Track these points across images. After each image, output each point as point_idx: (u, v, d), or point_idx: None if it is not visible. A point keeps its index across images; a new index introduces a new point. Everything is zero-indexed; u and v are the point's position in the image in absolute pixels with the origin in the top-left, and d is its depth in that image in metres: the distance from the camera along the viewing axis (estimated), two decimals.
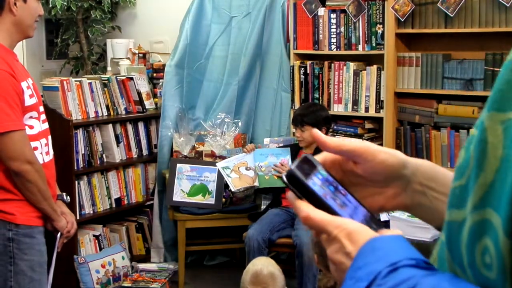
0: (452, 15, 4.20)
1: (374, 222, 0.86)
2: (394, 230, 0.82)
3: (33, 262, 2.76)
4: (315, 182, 0.85)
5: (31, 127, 2.76)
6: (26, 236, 2.74)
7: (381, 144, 4.61)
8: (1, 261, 2.72)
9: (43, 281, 2.82)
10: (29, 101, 2.74)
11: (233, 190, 4.52)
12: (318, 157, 0.90)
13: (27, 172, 2.67)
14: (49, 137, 2.91)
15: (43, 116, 2.88)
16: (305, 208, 0.84)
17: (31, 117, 2.77)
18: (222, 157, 4.99)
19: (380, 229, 0.83)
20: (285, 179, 0.85)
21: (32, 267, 2.76)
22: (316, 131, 0.91)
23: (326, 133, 4.48)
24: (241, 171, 4.55)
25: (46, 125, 2.89)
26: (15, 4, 2.75)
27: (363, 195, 0.91)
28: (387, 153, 0.91)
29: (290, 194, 0.86)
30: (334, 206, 0.84)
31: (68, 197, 3.03)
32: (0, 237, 2.71)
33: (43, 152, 2.83)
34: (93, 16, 5.86)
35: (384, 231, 0.81)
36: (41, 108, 2.87)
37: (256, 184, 4.58)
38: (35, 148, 2.76)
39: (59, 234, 2.87)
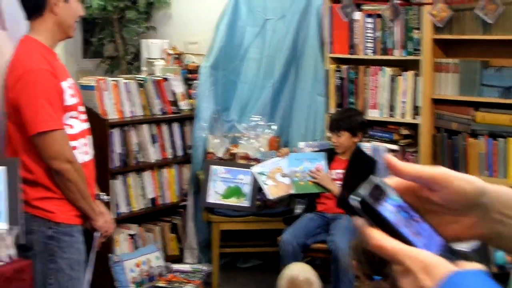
0: (491, 22, 4.15)
1: (451, 253, 0.83)
2: (473, 263, 0.78)
3: (72, 260, 2.80)
4: (387, 209, 0.80)
5: (71, 126, 2.80)
6: (65, 235, 2.77)
7: (417, 151, 4.59)
8: (41, 258, 2.76)
9: (81, 279, 2.85)
10: (69, 101, 2.77)
11: (270, 198, 4.51)
12: (390, 182, 0.86)
13: (67, 171, 2.70)
14: (89, 137, 2.94)
15: (83, 116, 2.91)
16: (378, 236, 0.80)
17: (71, 117, 2.80)
18: (256, 160, 4.99)
19: (458, 260, 0.78)
20: (357, 205, 0.81)
21: (71, 265, 2.79)
22: (389, 156, 0.87)
23: (362, 139, 4.46)
24: (277, 178, 4.53)
25: (86, 125, 2.92)
26: (57, 3, 2.78)
27: (438, 223, 0.87)
28: (464, 180, 0.85)
29: (359, 221, 0.82)
30: (408, 235, 0.80)
31: (107, 197, 3.06)
32: (41, 235, 2.75)
33: (82, 151, 2.86)
34: (128, 16, 5.91)
35: (463, 264, 0.77)
36: (81, 108, 2.91)
37: (292, 191, 4.56)
38: (74, 148, 2.79)
39: (97, 234, 2.90)
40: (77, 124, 2.82)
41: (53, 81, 2.69)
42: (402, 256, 0.78)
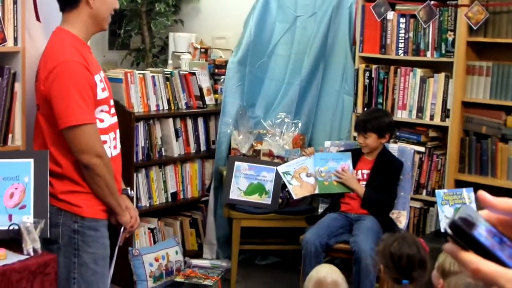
0: None
1: None
2: None
3: (96, 255, 2.77)
4: (481, 233, 0.82)
5: (101, 120, 2.76)
6: (91, 229, 2.74)
7: (444, 154, 4.52)
8: (66, 252, 2.73)
9: (105, 274, 2.83)
10: (101, 95, 2.74)
11: (294, 198, 4.46)
12: (482, 214, 0.87)
13: (96, 165, 2.66)
14: (117, 131, 2.91)
15: (113, 110, 2.87)
16: (475, 260, 0.80)
17: (102, 111, 2.77)
18: (280, 157, 4.95)
19: None
20: (449, 230, 0.82)
21: (95, 260, 2.76)
22: (482, 193, 0.86)
23: (389, 140, 4.40)
24: (302, 177, 4.47)
25: (115, 119, 2.89)
26: None
27: None
28: None
29: (450, 246, 0.83)
30: (503, 257, 0.81)
31: (133, 192, 3.03)
32: (66, 228, 2.72)
33: (111, 146, 2.83)
34: (157, 8, 5.87)
35: None
36: (112, 102, 2.87)
37: (316, 191, 4.50)
38: (104, 142, 2.76)
39: (122, 229, 2.87)
40: (107, 118, 2.79)
41: (86, 74, 2.66)
42: (501, 278, 0.79)
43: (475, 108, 4.46)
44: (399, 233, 3.44)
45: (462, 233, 0.82)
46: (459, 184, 4.42)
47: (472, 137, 4.47)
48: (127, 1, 5.54)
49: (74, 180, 2.71)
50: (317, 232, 4.15)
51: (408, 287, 2.90)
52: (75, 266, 2.73)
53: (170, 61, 5.81)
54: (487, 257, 0.81)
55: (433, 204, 4.55)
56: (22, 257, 2.72)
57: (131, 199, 3.00)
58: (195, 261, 4.95)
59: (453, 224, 0.82)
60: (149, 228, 4.89)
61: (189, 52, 5.74)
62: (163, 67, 5.74)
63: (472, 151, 4.47)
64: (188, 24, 6.12)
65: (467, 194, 4.21)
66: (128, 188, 3.00)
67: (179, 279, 4.65)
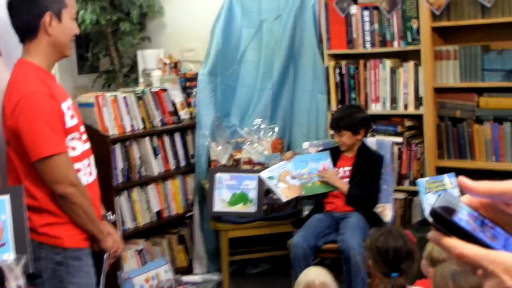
0: (489, 5, 4.09)
1: None
2: None
3: (82, 285, 2.73)
4: (461, 218, 0.84)
5: (73, 148, 2.73)
6: (74, 259, 2.70)
7: (422, 142, 4.52)
8: (50, 285, 2.69)
9: None
10: (70, 122, 2.71)
11: (284, 200, 4.43)
12: (464, 199, 0.89)
13: (71, 194, 2.63)
14: (92, 157, 2.88)
15: (85, 136, 2.84)
16: (457, 244, 0.82)
17: (73, 139, 2.73)
18: (261, 164, 4.93)
19: None
20: (430, 218, 0.84)
21: None
22: (462, 178, 0.88)
23: (365, 135, 4.40)
24: (287, 180, 4.46)
25: (87, 145, 2.85)
26: (50, 24, 2.71)
27: None
28: None
29: (433, 233, 0.85)
30: (485, 239, 0.83)
31: (114, 216, 3.00)
32: (49, 261, 2.68)
33: (86, 173, 2.79)
34: (122, 28, 5.86)
35: None
36: (82, 128, 2.84)
37: (302, 193, 4.49)
38: (78, 170, 2.73)
39: (106, 255, 2.84)
40: (79, 145, 2.76)
41: (53, 104, 2.63)
42: (483, 260, 0.81)
43: (447, 93, 4.47)
44: (385, 227, 3.44)
45: (443, 220, 0.83)
46: (440, 170, 4.42)
47: (447, 122, 4.48)
48: (92, 23, 5.51)
49: (51, 212, 2.68)
50: (304, 235, 4.13)
51: (398, 280, 2.89)
52: None
53: (141, 79, 5.79)
54: (471, 241, 0.82)
55: (416, 193, 4.54)
56: None
57: (113, 223, 2.97)
58: (186, 278, 4.93)
59: (433, 212, 0.84)
60: (136, 250, 4.85)
61: (159, 68, 5.72)
62: (134, 86, 5.72)
63: (449, 136, 4.48)
64: (155, 40, 6.10)
65: (449, 179, 4.21)
66: (109, 213, 2.97)
67: None
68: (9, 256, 2.69)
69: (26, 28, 2.75)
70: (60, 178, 2.61)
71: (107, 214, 2.94)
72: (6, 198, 2.72)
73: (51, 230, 2.68)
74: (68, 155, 2.67)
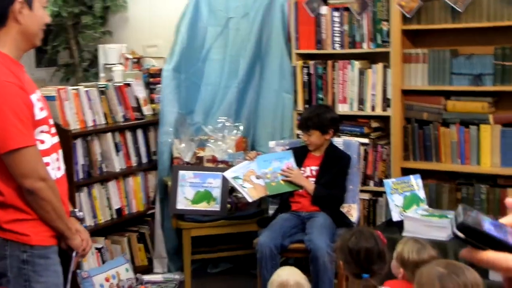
0: (461, 10, 4.10)
1: None
2: None
3: (49, 284, 2.61)
4: (490, 228, 0.82)
5: (42, 141, 2.61)
6: (41, 257, 2.59)
7: (388, 143, 4.52)
8: (16, 284, 2.57)
9: None
10: (39, 115, 2.59)
11: (250, 200, 4.35)
12: (504, 220, 0.88)
13: (40, 189, 2.52)
14: (60, 151, 2.76)
15: (53, 129, 2.73)
16: (503, 257, 0.81)
17: (41, 131, 2.61)
18: (224, 162, 4.86)
19: None
20: (460, 233, 0.82)
21: None
22: (508, 200, 0.87)
23: (334, 135, 4.37)
24: (253, 180, 4.39)
25: (56, 139, 2.74)
26: (20, 12, 2.59)
27: None
28: None
29: (467, 251, 0.83)
30: None
31: (81, 213, 2.90)
32: (15, 259, 2.56)
33: (55, 167, 2.68)
34: (83, 21, 5.72)
35: None
36: (51, 121, 2.73)
37: (267, 192, 4.42)
38: (47, 164, 2.61)
39: (74, 253, 2.73)
40: (48, 138, 2.64)
41: (21, 95, 2.51)
42: None
43: (415, 96, 4.48)
44: (356, 228, 3.42)
45: (474, 232, 0.81)
46: (406, 171, 4.43)
47: (414, 124, 4.49)
48: (53, 16, 5.35)
49: (18, 208, 2.55)
50: (270, 235, 4.08)
51: (369, 281, 2.87)
52: None
53: (102, 74, 5.65)
54: (501, 248, 0.82)
55: (381, 194, 4.55)
56: None
57: (81, 220, 2.86)
58: (147, 277, 4.83)
59: (462, 226, 0.81)
60: (96, 248, 4.73)
61: (121, 63, 5.59)
62: (94, 80, 5.58)
63: (415, 138, 4.49)
64: (117, 35, 5.97)
65: (415, 181, 4.23)
66: (77, 210, 2.86)
67: None
68: None
69: None
70: (28, 172, 2.50)
71: (75, 210, 2.83)
72: None
73: (17, 227, 2.56)
74: (37, 148, 2.55)
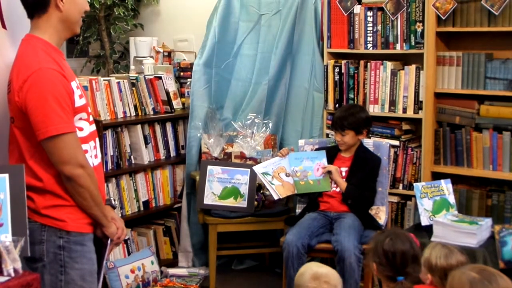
0: (497, 13, 4.07)
1: None
2: None
3: (84, 271, 2.64)
4: None
5: (80, 129, 2.63)
6: (77, 244, 2.61)
7: (419, 147, 4.49)
8: (51, 269, 2.59)
9: None
10: (79, 102, 2.61)
11: (278, 198, 4.33)
12: None
13: (79, 176, 2.53)
14: (97, 139, 2.78)
15: (91, 117, 2.74)
16: None
17: (80, 119, 2.64)
18: (253, 159, 4.86)
19: None
20: None
21: (83, 276, 2.63)
22: None
23: (367, 135, 4.35)
24: (282, 177, 4.37)
25: (93, 127, 2.76)
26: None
27: None
28: None
29: None
30: None
31: (116, 202, 2.91)
32: (51, 244, 2.58)
33: (92, 155, 2.70)
34: (115, 13, 5.74)
35: None
36: (89, 109, 2.75)
37: (295, 191, 4.40)
38: (85, 151, 2.63)
39: (109, 241, 2.74)
40: (86, 126, 2.66)
41: (63, 81, 2.53)
42: None
43: (448, 99, 4.44)
44: (390, 230, 3.39)
45: None
46: (436, 176, 4.40)
47: (446, 128, 4.45)
48: None
49: (56, 194, 2.57)
50: (298, 233, 4.06)
51: (404, 283, 2.85)
52: (61, 284, 2.59)
53: (132, 67, 5.67)
54: None
55: (410, 197, 4.52)
56: (2, 279, 2.56)
57: (115, 209, 2.87)
58: (172, 270, 4.84)
59: None
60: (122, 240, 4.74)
61: (151, 57, 5.61)
62: (124, 73, 5.60)
63: (446, 142, 4.45)
64: (148, 28, 5.99)
65: (445, 185, 4.20)
66: (112, 198, 2.88)
67: None
68: (7, 237, 2.59)
69: (37, 2, 2.65)
70: (68, 159, 2.51)
71: (110, 199, 2.85)
72: (5, 176, 2.61)
73: (54, 213, 2.58)
74: (76, 135, 2.57)
